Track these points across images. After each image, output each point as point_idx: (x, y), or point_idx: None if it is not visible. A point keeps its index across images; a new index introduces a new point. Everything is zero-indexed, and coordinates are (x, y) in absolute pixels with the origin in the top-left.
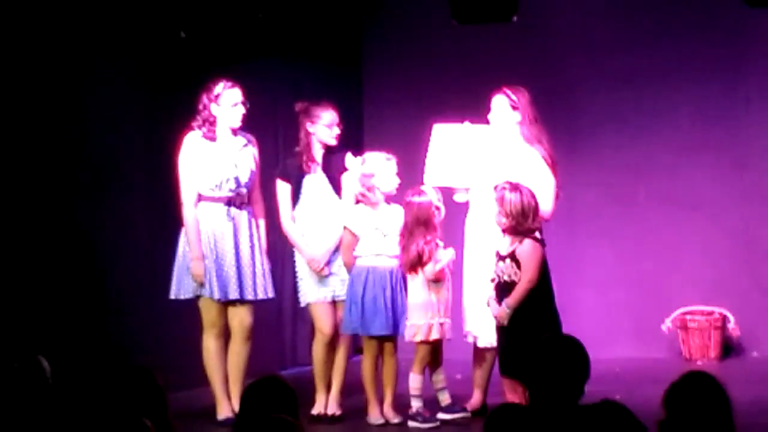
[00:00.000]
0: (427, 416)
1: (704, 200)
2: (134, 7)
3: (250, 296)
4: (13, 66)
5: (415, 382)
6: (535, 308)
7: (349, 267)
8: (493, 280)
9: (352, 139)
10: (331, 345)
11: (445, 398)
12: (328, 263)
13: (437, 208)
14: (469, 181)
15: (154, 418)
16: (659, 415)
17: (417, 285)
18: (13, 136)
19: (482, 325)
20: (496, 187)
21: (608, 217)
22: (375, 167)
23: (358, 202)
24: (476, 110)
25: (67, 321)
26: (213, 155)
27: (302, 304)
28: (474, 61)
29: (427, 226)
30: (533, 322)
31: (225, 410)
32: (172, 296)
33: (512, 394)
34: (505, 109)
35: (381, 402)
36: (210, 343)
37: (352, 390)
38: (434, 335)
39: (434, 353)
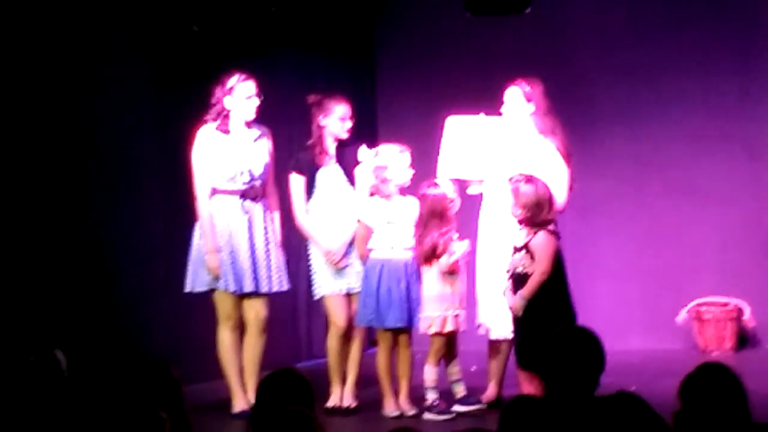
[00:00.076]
0: (442, 408)
1: (718, 191)
2: (147, 1)
3: (264, 289)
4: (25, 63)
5: (430, 374)
6: (550, 300)
7: (364, 259)
8: (508, 272)
9: (366, 132)
10: (346, 337)
11: (460, 390)
12: (345, 255)
13: (452, 201)
14: (483, 173)
15: (170, 411)
16: (675, 407)
17: (432, 277)
18: (26, 133)
19: (495, 317)
20: (510, 179)
21: (622, 209)
22: (388, 159)
23: (372, 194)
24: (490, 102)
25: (82, 315)
26: (227, 148)
27: (317, 297)
28: (487, 53)
29: (442, 219)
30: (548, 314)
31: (240, 403)
32: (187, 289)
33: (528, 385)
34: (519, 100)
35: (396, 394)
36: (225, 336)
37: (367, 382)
38: (449, 327)
39: (449, 345)
